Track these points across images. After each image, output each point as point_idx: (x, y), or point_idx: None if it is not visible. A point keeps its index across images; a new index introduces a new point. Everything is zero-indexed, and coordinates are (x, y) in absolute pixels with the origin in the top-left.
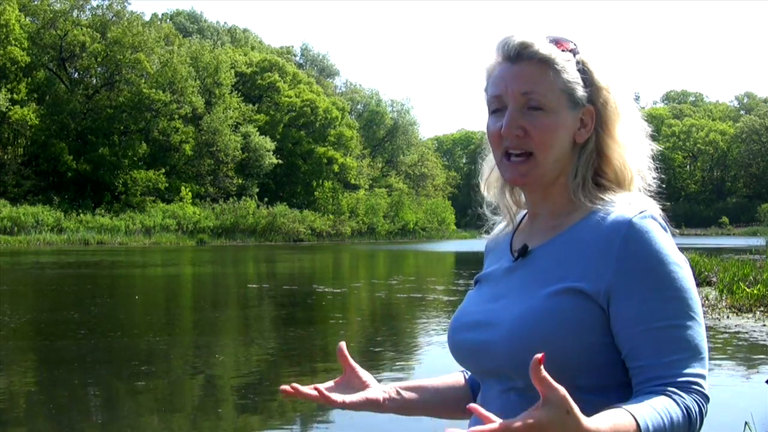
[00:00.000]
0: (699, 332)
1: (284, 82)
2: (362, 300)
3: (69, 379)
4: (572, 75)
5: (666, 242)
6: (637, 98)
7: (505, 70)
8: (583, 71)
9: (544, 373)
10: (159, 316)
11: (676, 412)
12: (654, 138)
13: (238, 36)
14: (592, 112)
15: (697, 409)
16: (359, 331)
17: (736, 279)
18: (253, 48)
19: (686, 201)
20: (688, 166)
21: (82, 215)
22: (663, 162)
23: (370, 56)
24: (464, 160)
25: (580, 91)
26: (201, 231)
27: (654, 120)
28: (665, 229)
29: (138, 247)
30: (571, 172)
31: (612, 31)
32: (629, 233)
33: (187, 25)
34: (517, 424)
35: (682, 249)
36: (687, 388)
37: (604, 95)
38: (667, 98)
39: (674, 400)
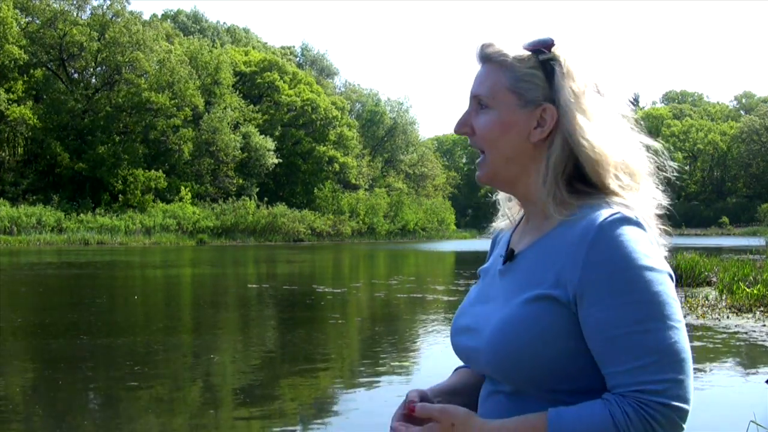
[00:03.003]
0: (667, 336)
1: (284, 82)
2: (362, 300)
3: (69, 379)
4: (525, 74)
5: (637, 245)
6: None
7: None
8: (547, 70)
9: (419, 408)
10: (159, 316)
11: (598, 421)
12: (654, 138)
13: (239, 35)
14: (553, 111)
15: (634, 416)
16: (359, 331)
17: (736, 279)
18: (253, 47)
19: (686, 201)
20: (688, 166)
21: (82, 215)
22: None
23: (369, 56)
24: (464, 160)
25: (535, 91)
26: (201, 231)
27: (654, 120)
28: (645, 232)
29: (138, 247)
30: (538, 175)
31: (612, 31)
32: (596, 238)
33: (188, 24)
34: None
35: (682, 249)
36: (635, 395)
37: (566, 94)
38: (667, 98)
39: (602, 404)
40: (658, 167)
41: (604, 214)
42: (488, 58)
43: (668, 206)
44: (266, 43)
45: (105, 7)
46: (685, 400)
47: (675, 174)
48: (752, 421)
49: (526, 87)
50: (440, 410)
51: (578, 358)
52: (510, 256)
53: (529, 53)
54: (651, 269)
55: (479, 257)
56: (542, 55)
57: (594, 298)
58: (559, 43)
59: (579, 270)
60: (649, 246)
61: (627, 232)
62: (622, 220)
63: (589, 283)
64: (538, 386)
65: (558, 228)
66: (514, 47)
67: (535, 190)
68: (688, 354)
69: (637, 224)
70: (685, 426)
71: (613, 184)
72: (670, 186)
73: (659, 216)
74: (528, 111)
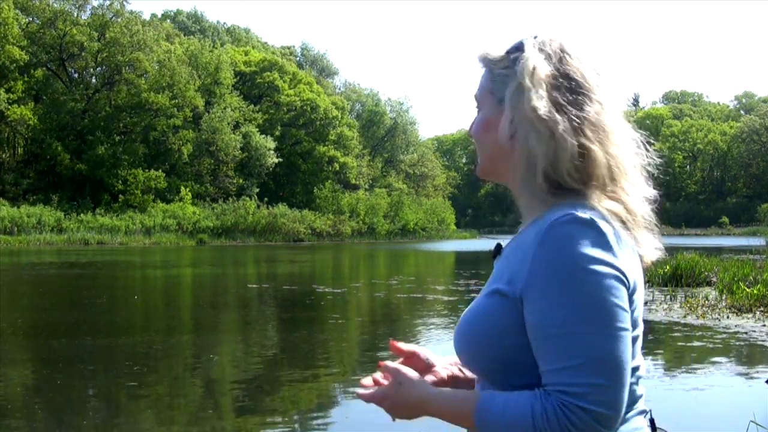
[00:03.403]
0: (597, 341)
1: (284, 82)
2: (362, 300)
3: (68, 379)
4: (498, 74)
5: (582, 247)
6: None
7: None
8: (511, 68)
9: (396, 345)
10: (159, 316)
11: (520, 409)
12: (654, 138)
13: (239, 35)
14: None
15: (552, 414)
16: (359, 331)
17: (736, 279)
18: (253, 47)
19: (686, 201)
20: (688, 166)
21: (82, 215)
22: (663, 162)
23: (369, 56)
24: (464, 160)
25: (502, 90)
26: (201, 231)
27: (654, 120)
28: (600, 234)
29: (138, 247)
30: (516, 171)
31: (613, 31)
32: (543, 238)
33: (188, 24)
34: (375, 391)
35: (682, 249)
36: (557, 394)
37: (516, 91)
38: (667, 98)
39: (530, 395)
40: (651, 164)
41: (559, 213)
42: (481, 62)
43: (666, 206)
44: (266, 43)
45: (105, 6)
46: (608, 407)
47: (659, 167)
48: (752, 421)
49: (498, 87)
50: (394, 369)
51: (527, 354)
52: (497, 251)
53: (505, 54)
54: (592, 272)
55: (479, 257)
56: (513, 54)
57: (534, 297)
58: (530, 43)
59: (527, 268)
60: (599, 248)
61: (574, 233)
62: (572, 221)
63: (532, 282)
64: (495, 379)
65: (530, 226)
66: (499, 50)
67: (515, 186)
68: (620, 361)
69: (590, 225)
70: None
71: (571, 182)
72: (669, 186)
73: (655, 213)
74: (501, 109)
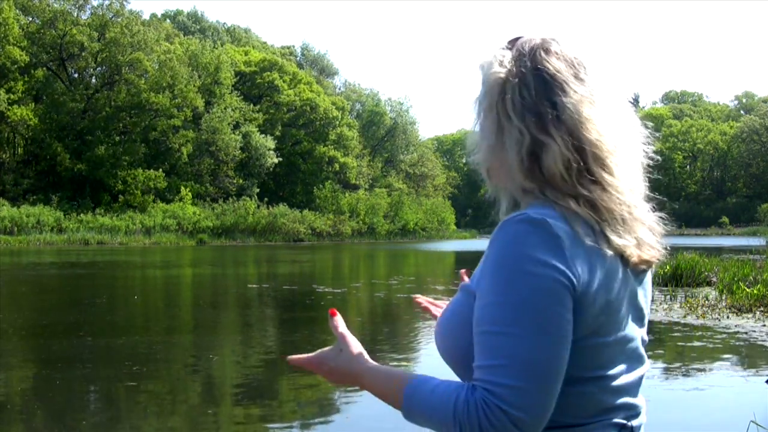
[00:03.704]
0: (522, 343)
1: (284, 82)
2: (362, 300)
3: (69, 379)
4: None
5: (524, 247)
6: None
7: None
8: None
9: (337, 319)
10: (159, 316)
11: (446, 395)
12: (654, 138)
13: (239, 35)
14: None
15: (473, 408)
16: (359, 331)
17: (736, 279)
18: (253, 47)
19: (686, 201)
20: (688, 166)
21: (82, 215)
22: (663, 162)
23: (369, 56)
24: (464, 160)
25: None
26: (201, 231)
27: (654, 120)
28: (550, 235)
29: (138, 247)
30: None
31: (613, 31)
32: (493, 236)
33: (188, 24)
34: (313, 355)
35: (682, 249)
36: (482, 391)
37: (480, 96)
38: (667, 98)
39: (458, 386)
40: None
41: (516, 213)
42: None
43: (666, 206)
44: (266, 42)
45: (105, 6)
46: (527, 411)
47: (656, 167)
48: (752, 421)
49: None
50: (341, 334)
51: None
52: None
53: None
54: (532, 274)
55: (479, 257)
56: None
57: (479, 293)
58: (493, 53)
59: (481, 264)
60: (544, 250)
61: (521, 233)
62: (523, 221)
63: (480, 278)
64: (461, 375)
65: None
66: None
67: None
68: (545, 366)
69: (541, 225)
70: None
71: (528, 185)
72: (669, 186)
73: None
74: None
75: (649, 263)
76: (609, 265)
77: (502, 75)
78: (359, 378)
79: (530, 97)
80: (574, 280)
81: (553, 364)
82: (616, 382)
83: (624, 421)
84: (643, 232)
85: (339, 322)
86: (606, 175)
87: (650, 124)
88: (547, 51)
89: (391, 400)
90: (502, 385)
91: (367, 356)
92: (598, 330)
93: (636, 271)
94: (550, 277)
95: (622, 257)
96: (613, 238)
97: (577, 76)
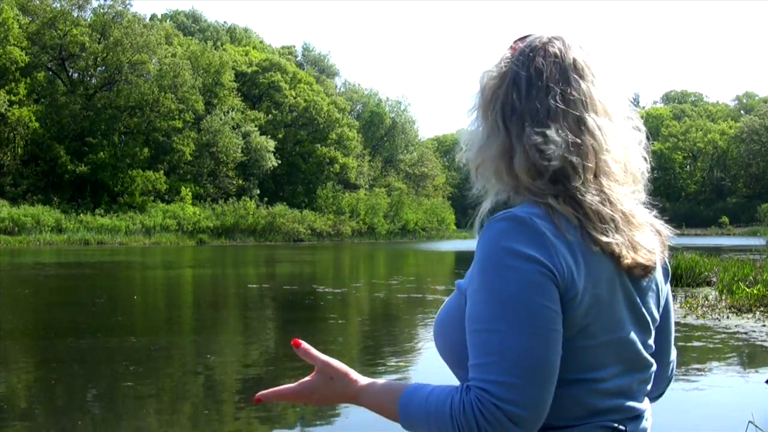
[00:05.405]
0: (512, 339)
1: (285, 83)
2: (362, 300)
3: (69, 379)
4: None
5: (513, 244)
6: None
7: None
8: None
9: (306, 347)
10: (159, 316)
11: (441, 400)
12: (653, 138)
13: (239, 35)
14: None
15: (468, 408)
16: (359, 331)
17: (736, 279)
18: (254, 47)
19: (686, 201)
20: (688, 166)
21: (82, 215)
22: (663, 162)
23: (369, 56)
24: (456, 158)
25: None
26: (201, 231)
27: (654, 120)
28: (534, 232)
29: (138, 247)
30: None
31: (612, 31)
32: (481, 235)
33: (188, 24)
34: (297, 387)
35: (682, 249)
36: (476, 390)
37: (474, 94)
38: (667, 98)
39: (453, 389)
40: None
41: (503, 211)
42: None
43: (666, 206)
44: (264, 41)
45: (106, 7)
46: (521, 406)
47: (654, 168)
48: (750, 422)
49: None
50: (323, 362)
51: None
52: None
53: None
54: (517, 270)
55: None
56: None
57: (469, 291)
58: (520, 44)
59: (472, 265)
60: (529, 246)
61: (506, 230)
62: (508, 218)
63: (469, 277)
64: (457, 374)
65: None
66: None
67: None
68: (536, 361)
69: (525, 223)
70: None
71: (515, 184)
72: (669, 186)
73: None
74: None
75: (647, 268)
76: (596, 264)
77: (495, 75)
78: (355, 399)
79: (520, 99)
80: (558, 275)
81: (544, 357)
82: (607, 385)
83: (615, 424)
84: (641, 237)
85: (311, 349)
86: (593, 179)
87: (642, 128)
88: (546, 53)
89: (389, 414)
90: (494, 382)
91: (357, 375)
92: (585, 330)
93: (633, 274)
94: (534, 270)
95: (613, 257)
96: (598, 236)
97: (575, 79)
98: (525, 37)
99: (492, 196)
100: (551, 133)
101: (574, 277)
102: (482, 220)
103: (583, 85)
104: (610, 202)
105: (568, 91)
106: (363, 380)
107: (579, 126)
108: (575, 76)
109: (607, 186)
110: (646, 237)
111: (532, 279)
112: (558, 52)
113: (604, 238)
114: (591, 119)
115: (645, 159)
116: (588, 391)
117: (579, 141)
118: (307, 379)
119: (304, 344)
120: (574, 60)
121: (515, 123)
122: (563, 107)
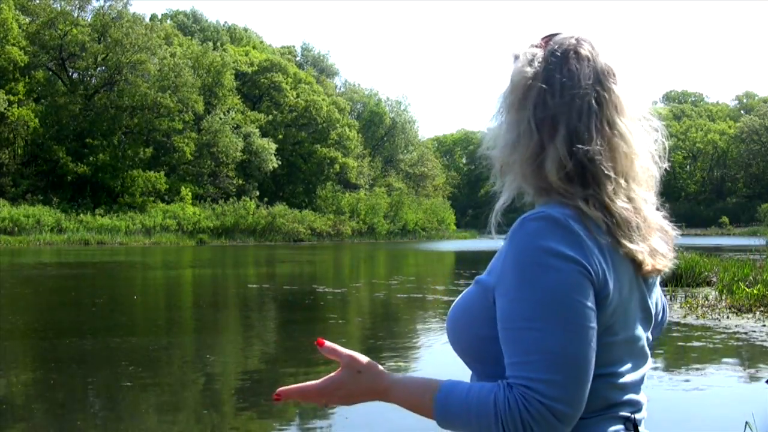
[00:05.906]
0: (552, 337)
1: (286, 83)
2: (362, 300)
3: (69, 379)
4: None
5: (548, 243)
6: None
7: None
8: None
9: (328, 344)
10: (159, 316)
11: (482, 397)
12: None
13: (239, 35)
14: None
15: (514, 405)
16: (359, 331)
17: (736, 279)
18: (254, 47)
19: (686, 201)
20: (688, 166)
21: (82, 215)
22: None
23: (369, 56)
24: (464, 160)
25: None
26: (201, 231)
27: None
28: (569, 232)
29: (138, 247)
30: None
31: (612, 31)
32: (512, 233)
33: (188, 24)
34: (322, 383)
35: (682, 249)
36: (519, 387)
37: (505, 91)
38: (667, 98)
39: (493, 385)
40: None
41: (535, 210)
42: None
43: (666, 206)
44: (263, 41)
45: (106, 7)
46: (566, 402)
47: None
48: (747, 422)
49: None
50: (349, 356)
51: (495, 346)
52: None
53: None
54: (554, 268)
55: (479, 257)
56: None
57: (501, 290)
58: (549, 43)
59: (501, 261)
60: (565, 245)
61: (541, 229)
62: (542, 218)
63: (501, 275)
64: (474, 369)
65: None
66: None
67: None
68: (576, 358)
69: (560, 223)
70: (565, 428)
71: (543, 184)
72: (670, 186)
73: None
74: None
75: (659, 272)
76: (621, 266)
77: (530, 75)
78: (385, 394)
79: (553, 101)
80: (593, 275)
81: (584, 355)
82: (623, 380)
83: (629, 414)
84: (657, 242)
85: (335, 346)
86: (624, 183)
87: (661, 128)
88: (578, 55)
89: (422, 410)
90: (539, 380)
91: (383, 369)
92: (611, 328)
93: (647, 277)
94: (573, 270)
95: (634, 262)
96: (625, 242)
97: (606, 82)
98: (553, 35)
99: (507, 194)
100: (584, 136)
101: (607, 278)
102: (497, 218)
103: (614, 88)
104: (636, 209)
105: (601, 94)
106: (393, 376)
107: (612, 130)
108: (606, 79)
109: (634, 191)
110: (660, 241)
111: (572, 278)
112: (589, 55)
113: (631, 246)
114: (622, 123)
115: (659, 161)
116: (607, 384)
117: (611, 145)
118: (331, 375)
119: (328, 342)
120: (605, 63)
121: (548, 124)
122: (596, 110)
